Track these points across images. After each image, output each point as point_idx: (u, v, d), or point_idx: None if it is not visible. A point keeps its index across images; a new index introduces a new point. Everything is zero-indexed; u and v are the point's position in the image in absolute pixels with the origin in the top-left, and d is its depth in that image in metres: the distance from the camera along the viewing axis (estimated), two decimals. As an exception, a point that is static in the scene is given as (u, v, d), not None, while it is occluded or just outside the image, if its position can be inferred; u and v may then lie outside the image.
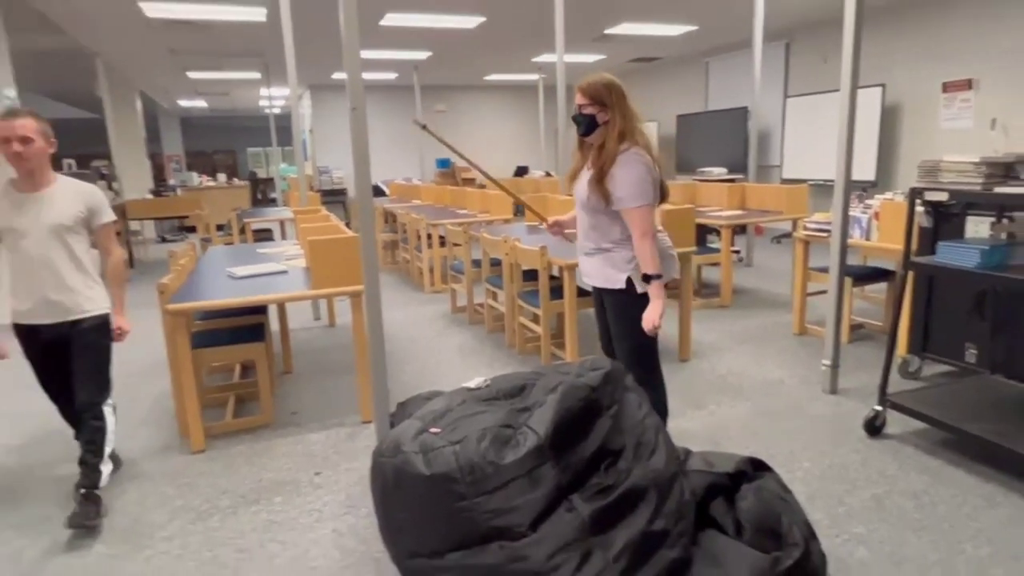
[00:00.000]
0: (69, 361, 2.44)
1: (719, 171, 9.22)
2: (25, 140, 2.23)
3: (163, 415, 3.39)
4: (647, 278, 2.24)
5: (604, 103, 2.23)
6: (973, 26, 6.37)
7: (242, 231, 7.34)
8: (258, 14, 6.59)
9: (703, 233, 5.73)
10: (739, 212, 5.72)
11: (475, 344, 4.50)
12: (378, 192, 10.77)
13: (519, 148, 14.05)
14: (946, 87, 6.64)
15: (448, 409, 1.95)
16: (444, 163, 13.04)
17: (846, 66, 2.98)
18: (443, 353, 4.33)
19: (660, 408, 2.42)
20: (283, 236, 8.01)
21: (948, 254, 2.48)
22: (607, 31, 8.31)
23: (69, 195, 2.38)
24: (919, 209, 2.65)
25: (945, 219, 3.14)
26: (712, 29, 8.50)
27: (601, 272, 2.40)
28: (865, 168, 7.07)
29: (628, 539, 1.63)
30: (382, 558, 2.09)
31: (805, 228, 4.29)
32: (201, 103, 15.46)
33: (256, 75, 10.68)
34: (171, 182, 13.37)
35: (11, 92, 5.19)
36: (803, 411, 3.15)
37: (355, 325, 3.07)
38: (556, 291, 3.70)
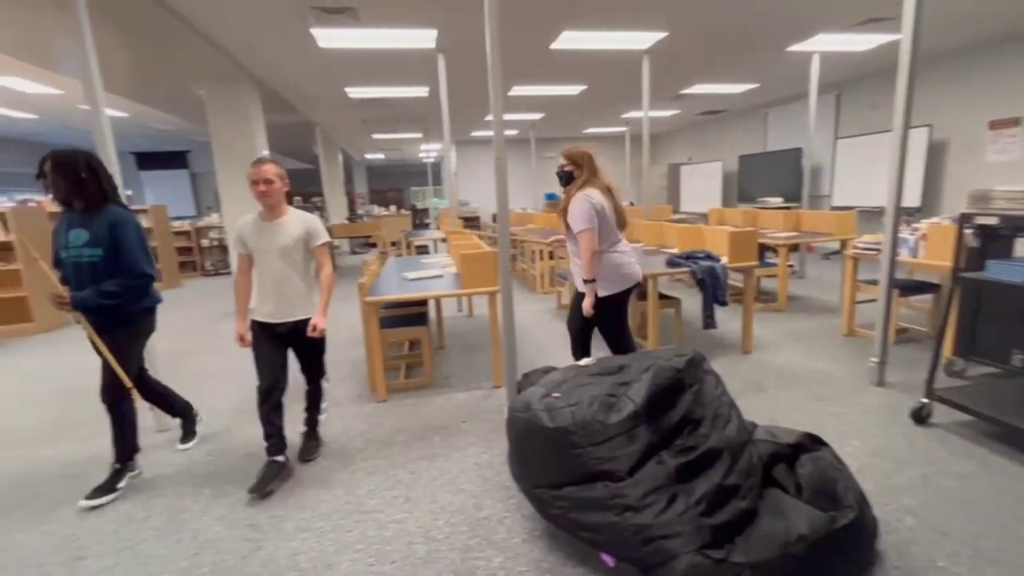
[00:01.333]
0: (294, 349, 2.43)
1: (776, 200, 8.54)
2: (268, 182, 2.25)
3: (357, 374, 3.66)
4: (586, 281, 2.51)
5: (579, 164, 2.56)
6: (1017, 68, 5.49)
7: (408, 246, 7.79)
8: (422, 92, 6.96)
9: (763, 251, 5.34)
10: (794, 233, 5.28)
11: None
12: (502, 218, 10.98)
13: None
14: (992, 125, 5.76)
15: (564, 380, 1.98)
16: (551, 196, 13.09)
17: (899, 110, 2.68)
18: (550, 338, 4.35)
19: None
20: (435, 251, 8.40)
21: (998, 270, 2.17)
22: (682, 91, 7.98)
23: (297, 223, 2.35)
24: (968, 231, 2.34)
25: (992, 240, 2.73)
26: (772, 87, 7.92)
27: (575, 275, 2.69)
28: (911, 195, 6.28)
29: (706, 489, 1.57)
30: (511, 485, 2.15)
31: (855, 247, 3.89)
32: (380, 155, 16.56)
33: (418, 135, 11.27)
34: (359, 212, 14.43)
35: (265, 152, 5.86)
36: (852, 399, 2.87)
37: (491, 315, 3.18)
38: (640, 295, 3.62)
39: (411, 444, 2.63)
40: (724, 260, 3.50)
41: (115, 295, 2.12)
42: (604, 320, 2.59)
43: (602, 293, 2.52)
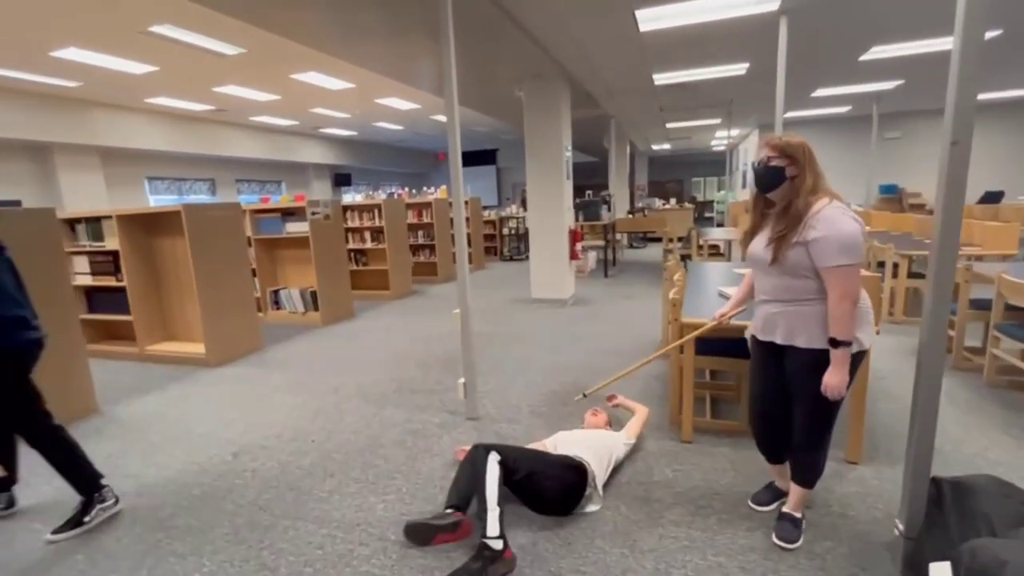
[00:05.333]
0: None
1: None
2: None
3: (652, 395, 3.24)
4: (835, 343, 1.61)
5: (795, 158, 1.65)
6: None
7: (700, 246, 7.00)
8: (739, 69, 6.00)
9: None
10: None
11: (971, 396, 3.05)
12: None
13: (995, 171, 9.90)
14: None
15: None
16: (890, 189, 10.13)
17: None
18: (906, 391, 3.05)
19: (819, 468, 1.85)
20: (731, 252, 7.35)
21: None
22: None
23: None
24: None
25: None
26: None
27: (790, 327, 1.73)
28: None
29: None
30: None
31: None
32: (666, 146, 15.84)
33: (716, 120, 10.14)
34: (638, 205, 14.10)
35: (568, 151, 5.95)
36: None
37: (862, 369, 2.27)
38: None
39: (732, 514, 2.05)
40: None
41: None
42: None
43: (857, 348, 1.67)
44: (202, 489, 2.40)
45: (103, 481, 2.22)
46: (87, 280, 4.67)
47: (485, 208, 11.71)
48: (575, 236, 6.06)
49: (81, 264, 4.70)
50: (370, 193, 9.92)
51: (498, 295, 6.75)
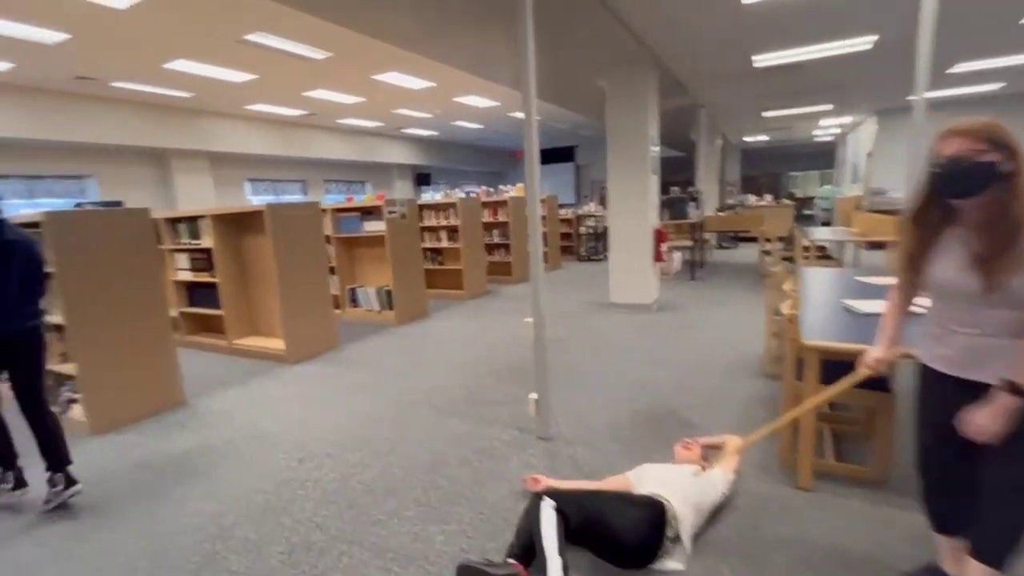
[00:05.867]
0: None
1: None
2: None
3: (752, 422, 2.76)
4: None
5: (1011, 148, 1.17)
6: None
7: (806, 248, 6.20)
8: (865, 43, 5.18)
9: None
10: None
11: None
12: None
13: None
14: None
15: None
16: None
17: None
18: None
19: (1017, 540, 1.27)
20: (845, 255, 6.46)
21: None
22: None
23: None
24: None
25: None
26: None
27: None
28: None
29: None
30: None
31: None
32: (763, 137, 14.56)
33: (828, 106, 9.05)
34: (729, 201, 13.04)
35: (655, 144, 5.48)
36: None
37: None
38: None
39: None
40: None
41: None
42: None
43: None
44: (265, 497, 2.33)
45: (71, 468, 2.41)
46: (187, 276, 4.97)
47: (562, 206, 11.37)
48: (660, 236, 5.58)
49: (182, 261, 5.00)
50: (448, 192, 9.96)
51: (574, 297, 6.42)
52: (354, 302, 5.98)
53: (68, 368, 3.15)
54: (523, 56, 2.47)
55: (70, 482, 2.37)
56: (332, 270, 5.77)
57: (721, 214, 9.85)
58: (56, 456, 2.36)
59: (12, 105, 7.20)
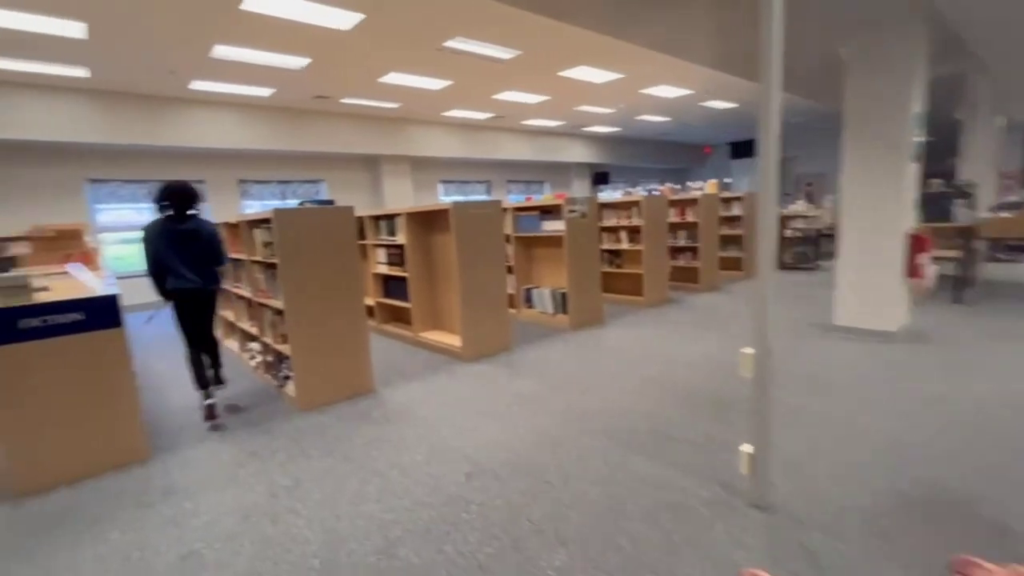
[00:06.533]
0: None
1: None
2: None
3: None
4: None
5: None
6: None
7: None
8: None
9: None
10: None
11: None
12: None
13: None
14: None
15: None
16: None
17: None
18: None
19: None
20: None
21: None
22: None
23: None
24: None
25: None
26: None
27: None
28: None
29: None
30: None
31: None
32: (1066, 111, 10.64)
33: None
34: (1011, 199, 9.80)
35: (918, 125, 4.15)
36: None
37: None
38: None
39: None
40: None
41: None
42: None
43: None
44: (430, 513, 2.19)
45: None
46: (384, 269, 5.39)
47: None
48: (919, 243, 4.23)
49: (381, 255, 5.45)
50: (628, 190, 9.37)
51: (784, 315, 5.33)
52: (528, 303, 5.86)
53: (285, 348, 3.53)
54: (766, 20, 1.86)
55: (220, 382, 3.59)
56: (509, 269, 5.74)
57: (1006, 215, 7.36)
58: (219, 370, 3.57)
59: (270, 124, 8.86)
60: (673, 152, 16.81)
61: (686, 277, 7.33)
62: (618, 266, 6.65)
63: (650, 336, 4.84)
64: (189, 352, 3.35)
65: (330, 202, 5.34)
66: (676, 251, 7.49)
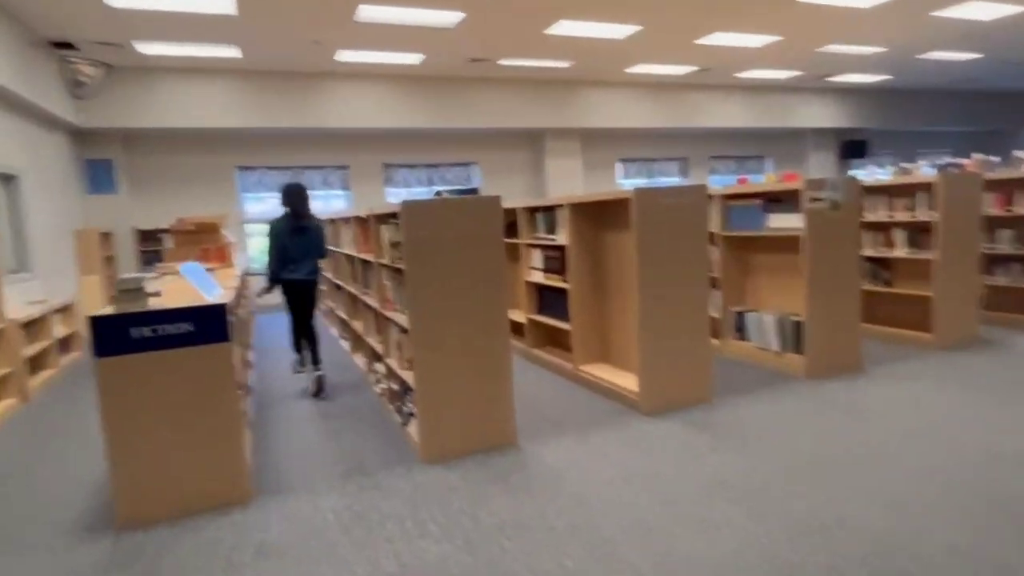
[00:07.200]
0: None
1: None
2: None
3: None
4: None
5: None
6: None
7: None
8: None
9: None
10: None
11: None
12: None
13: None
14: None
15: None
16: None
17: None
18: None
19: None
20: None
21: None
22: None
23: None
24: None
25: None
26: None
27: None
28: None
29: None
30: None
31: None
32: None
33: None
34: None
35: None
36: None
37: None
38: None
39: None
40: None
41: None
42: None
43: None
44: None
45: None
46: (539, 277, 5.18)
47: None
48: None
49: (536, 258, 5.25)
50: (903, 166, 7.88)
51: None
52: (740, 332, 5.14)
53: (410, 377, 3.47)
54: None
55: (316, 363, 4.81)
56: (713, 283, 5.10)
57: None
58: (317, 353, 4.81)
59: (418, 98, 9.44)
60: (978, 108, 14.14)
61: (1016, 305, 5.82)
62: (886, 283, 5.56)
63: (948, 401, 3.79)
64: (293, 338, 4.88)
65: (474, 191, 5.38)
66: (994, 261, 6.00)
